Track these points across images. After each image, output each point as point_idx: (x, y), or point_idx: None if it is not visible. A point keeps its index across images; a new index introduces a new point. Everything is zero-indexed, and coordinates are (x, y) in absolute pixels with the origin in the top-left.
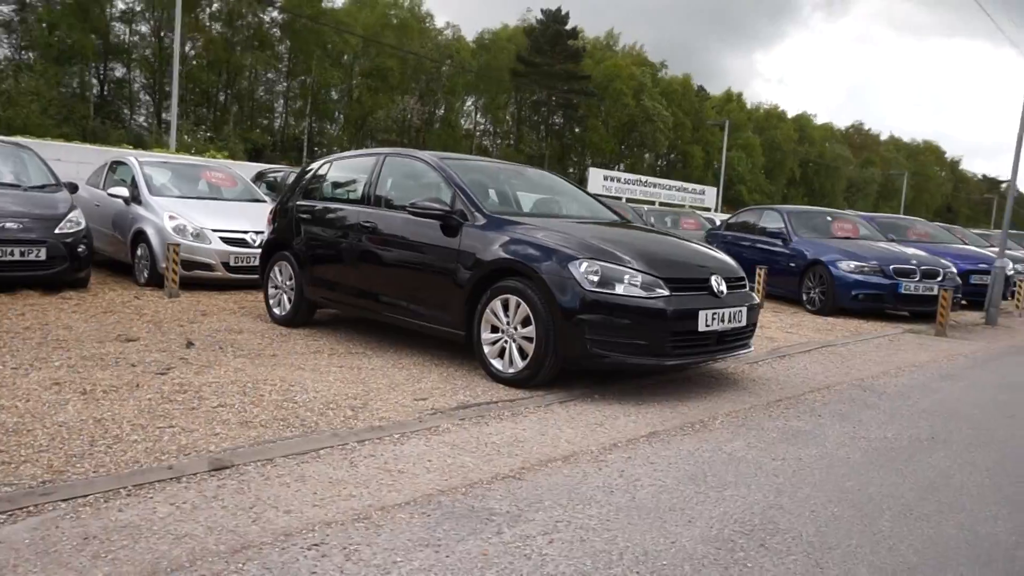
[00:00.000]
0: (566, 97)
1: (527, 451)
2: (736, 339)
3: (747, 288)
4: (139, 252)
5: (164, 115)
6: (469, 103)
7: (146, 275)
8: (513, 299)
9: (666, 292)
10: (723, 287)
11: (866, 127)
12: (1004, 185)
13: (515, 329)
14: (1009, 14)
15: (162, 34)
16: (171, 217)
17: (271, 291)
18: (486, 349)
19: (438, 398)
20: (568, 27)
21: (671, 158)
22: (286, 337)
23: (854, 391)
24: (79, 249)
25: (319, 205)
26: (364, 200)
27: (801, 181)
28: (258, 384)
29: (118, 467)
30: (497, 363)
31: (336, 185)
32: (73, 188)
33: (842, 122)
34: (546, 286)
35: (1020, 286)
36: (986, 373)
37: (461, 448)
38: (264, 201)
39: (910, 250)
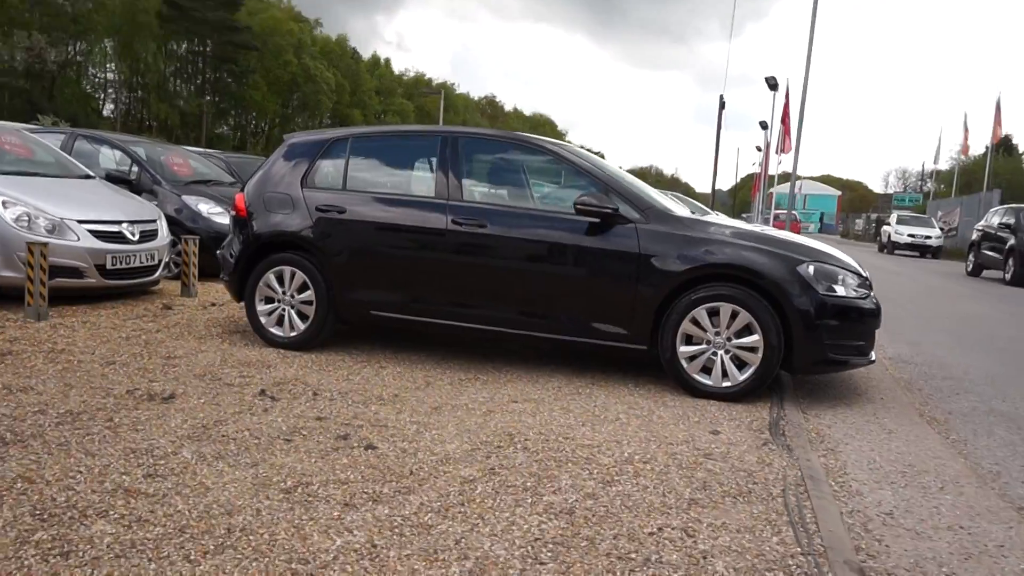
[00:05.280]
0: (223, 49)
1: (943, 472)
2: None
3: None
4: None
5: None
6: (108, 47)
7: None
8: (726, 307)
9: (868, 290)
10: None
11: (497, 100)
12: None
13: (728, 340)
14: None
15: None
16: (5, 203)
17: (263, 307)
18: (684, 364)
19: (726, 428)
20: None
21: (332, 121)
22: (335, 365)
23: (888, 366)
24: None
25: (359, 197)
26: (444, 193)
27: None
28: (521, 438)
29: None
30: (702, 378)
31: (374, 171)
32: None
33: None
34: (781, 291)
35: None
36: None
37: (896, 484)
38: (93, 177)
39: None
